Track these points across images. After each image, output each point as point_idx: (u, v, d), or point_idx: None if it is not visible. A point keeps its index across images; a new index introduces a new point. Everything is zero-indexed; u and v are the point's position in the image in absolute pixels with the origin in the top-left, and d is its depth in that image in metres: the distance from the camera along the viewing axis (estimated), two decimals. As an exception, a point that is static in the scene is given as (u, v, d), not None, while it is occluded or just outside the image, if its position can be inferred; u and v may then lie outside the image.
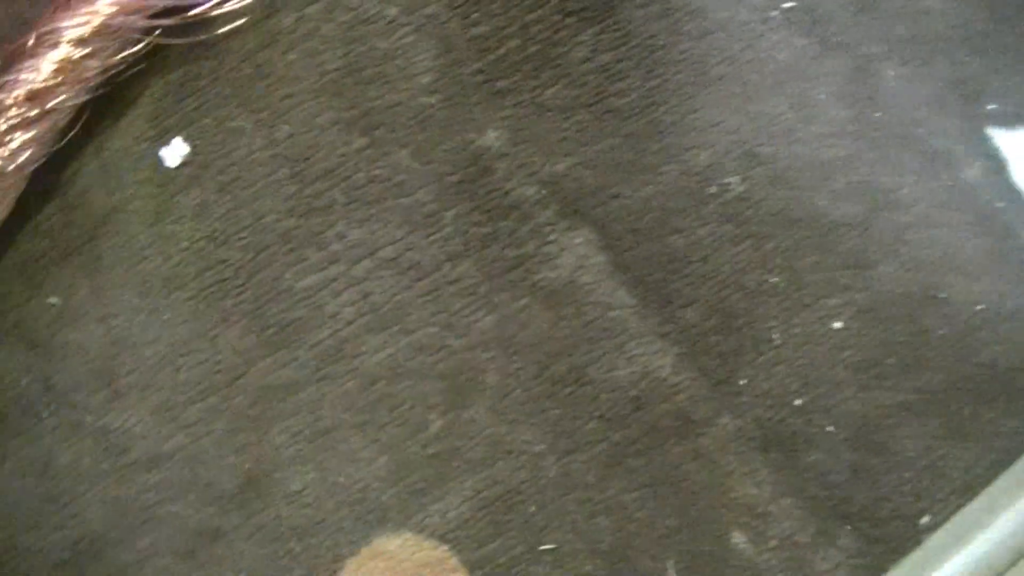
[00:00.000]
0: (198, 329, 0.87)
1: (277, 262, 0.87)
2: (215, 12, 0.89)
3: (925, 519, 0.82)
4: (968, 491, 0.82)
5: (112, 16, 0.88)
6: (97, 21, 0.88)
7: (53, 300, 0.88)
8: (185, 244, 0.88)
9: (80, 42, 0.88)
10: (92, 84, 0.88)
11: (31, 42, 0.86)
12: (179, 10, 0.89)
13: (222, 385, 0.86)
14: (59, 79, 0.88)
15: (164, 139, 0.90)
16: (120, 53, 0.88)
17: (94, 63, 0.88)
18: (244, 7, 0.90)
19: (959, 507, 0.82)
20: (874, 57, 0.89)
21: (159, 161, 0.89)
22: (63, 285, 0.88)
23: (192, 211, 0.88)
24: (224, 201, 0.88)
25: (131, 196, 0.89)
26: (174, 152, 0.90)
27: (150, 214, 0.89)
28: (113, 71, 0.88)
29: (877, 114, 0.88)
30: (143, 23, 0.88)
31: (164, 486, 0.86)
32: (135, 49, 0.88)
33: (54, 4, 0.89)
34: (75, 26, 0.88)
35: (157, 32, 0.88)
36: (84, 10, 0.88)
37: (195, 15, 0.89)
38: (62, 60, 0.88)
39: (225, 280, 0.87)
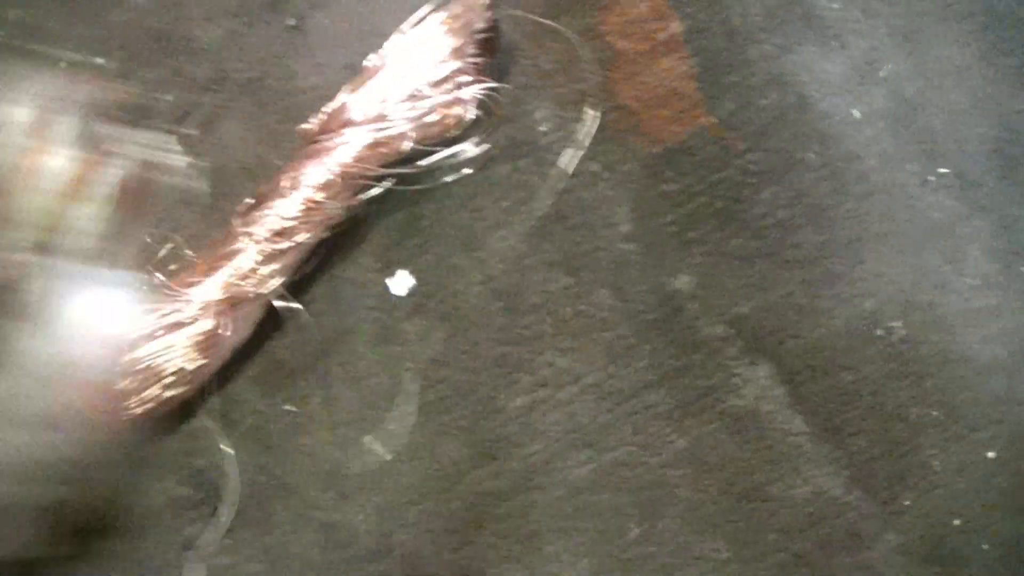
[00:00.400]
0: (420, 440, 1.00)
1: (491, 384, 1.00)
2: (440, 163, 1.04)
3: (1077, 630, 0.95)
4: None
5: (352, 165, 1.02)
6: (339, 169, 1.02)
7: (289, 408, 1.02)
8: (408, 364, 1.01)
9: (324, 187, 1.02)
10: (331, 222, 1.02)
11: (281, 183, 1.01)
12: (409, 161, 1.04)
13: (440, 490, 0.99)
14: (304, 218, 1.02)
15: (390, 271, 1.04)
16: (357, 196, 1.03)
17: (334, 204, 1.02)
18: (465, 160, 1.05)
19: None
20: (1019, 217, 1.03)
21: (386, 290, 1.03)
22: (297, 395, 1.02)
23: (415, 336, 1.02)
24: (444, 328, 1.02)
25: (360, 320, 1.03)
26: (400, 283, 1.04)
27: (377, 337, 1.03)
28: (350, 211, 1.02)
29: (1022, 268, 1.02)
30: (378, 171, 1.02)
31: (386, 577, 0.99)
32: (370, 193, 1.02)
33: (300, 152, 1.04)
34: (320, 173, 1.02)
35: (389, 179, 1.02)
36: (328, 159, 1.03)
37: (423, 166, 1.04)
38: (307, 201, 1.02)
39: (445, 398, 1.01)
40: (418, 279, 1.01)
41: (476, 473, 0.98)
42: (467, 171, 1.01)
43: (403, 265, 1.02)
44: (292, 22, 1.06)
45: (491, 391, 0.99)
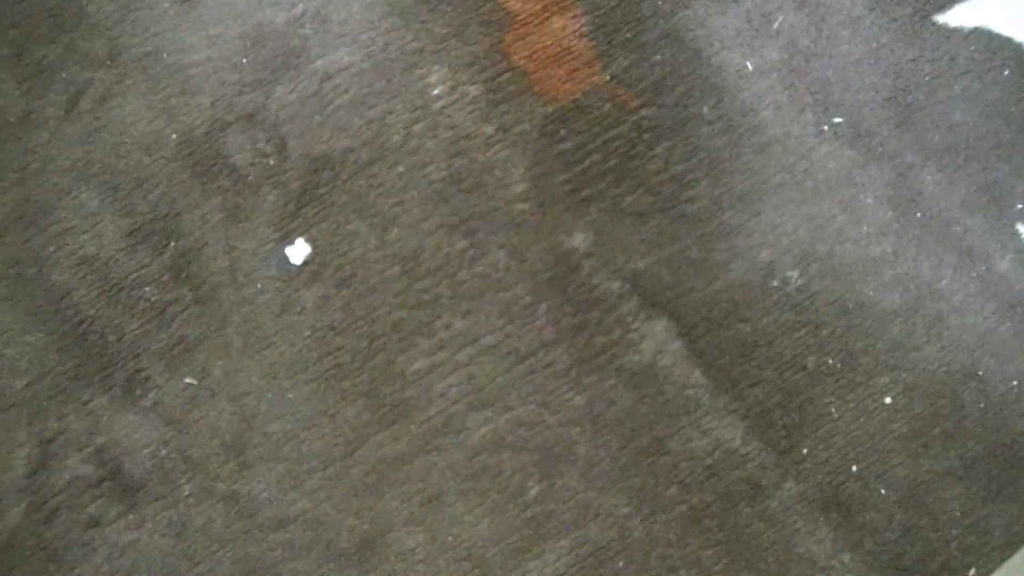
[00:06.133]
0: (320, 407, 0.99)
1: (390, 348, 1.00)
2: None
3: (972, 572, 0.94)
4: (1009, 546, 0.94)
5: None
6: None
7: (189, 381, 1.01)
8: (307, 333, 1.01)
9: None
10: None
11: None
12: (304, 129, 1.02)
13: (341, 456, 0.98)
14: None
15: (289, 240, 1.03)
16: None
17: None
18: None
19: (1002, 560, 0.94)
20: (913, 165, 1.02)
21: (284, 260, 1.03)
22: (198, 368, 1.01)
23: (314, 304, 1.01)
24: (342, 295, 1.01)
25: (259, 291, 1.02)
26: (297, 252, 1.03)
27: (276, 306, 1.02)
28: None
29: (918, 215, 1.01)
30: (273, 141, 1.01)
31: (289, 546, 0.98)
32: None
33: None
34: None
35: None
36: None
37: (318, 133, 1.03)
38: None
39: (343, 364, 1.00)
40: (315, 247, 1.00)
41: (377, 438, 0.97)
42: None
43: (301, 234, 1.00)
44: (184, -7, 1.06)
45: (390, 356, 0.98)
